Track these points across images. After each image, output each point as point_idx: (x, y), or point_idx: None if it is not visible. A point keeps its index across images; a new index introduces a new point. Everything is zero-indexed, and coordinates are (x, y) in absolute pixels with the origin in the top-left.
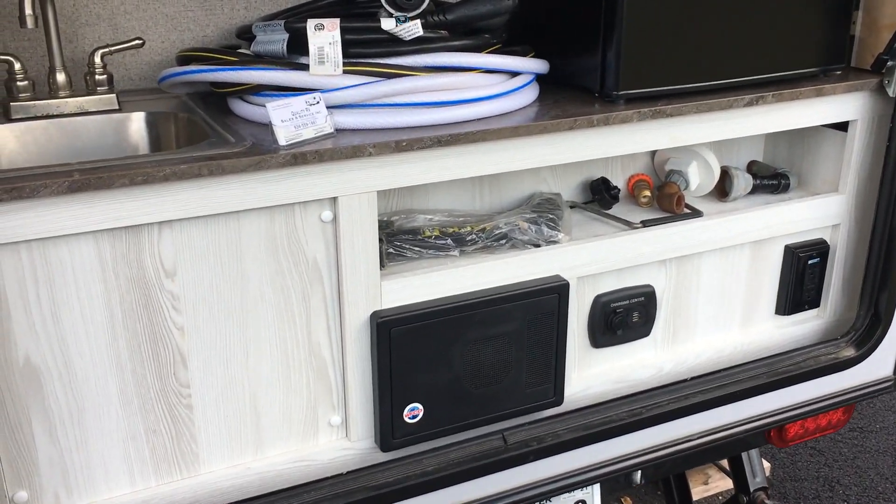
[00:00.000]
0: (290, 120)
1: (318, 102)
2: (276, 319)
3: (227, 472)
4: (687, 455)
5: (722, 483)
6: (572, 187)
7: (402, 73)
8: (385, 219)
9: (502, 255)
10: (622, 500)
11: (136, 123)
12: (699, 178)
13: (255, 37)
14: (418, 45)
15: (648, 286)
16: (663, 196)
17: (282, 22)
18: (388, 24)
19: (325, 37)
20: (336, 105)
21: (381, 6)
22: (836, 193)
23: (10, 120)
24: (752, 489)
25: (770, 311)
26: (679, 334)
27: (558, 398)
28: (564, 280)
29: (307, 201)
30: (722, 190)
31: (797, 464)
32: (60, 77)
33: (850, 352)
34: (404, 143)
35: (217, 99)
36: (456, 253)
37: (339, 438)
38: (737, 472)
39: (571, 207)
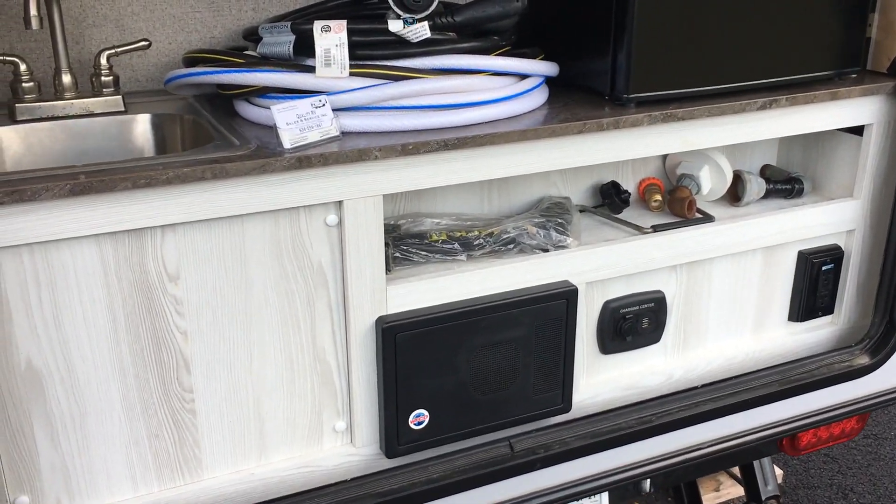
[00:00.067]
0: (295, 123)
1: (323, 105)
2: (280, 324)
3: (231, 477)
4: (697, 463)
5: (734, 490)
6: (582, 191)
7: (410, 76)
8: (392, 222)
9: (510, 260)
10: None
11: (142, 125)
12: (711, 183)
13: (261, 38)
14: (426, 48)
15: (659, 292)
16: (674, 200)
17: (288, 23)
18: (395, 25)
19: (331, 39)
20: (342, 108)
21: (389, 8)
22: (851, 198)
23: (15, 121)
24: (763, 497)
25: (783, 318)
26: (690, 341)
27: (566, 405)
28: (573, 285)
29: (312, 205)
30: (734, 194)
31: (810, 471)
32: (66, 78)
33: (864, 360)
34: (411, 147)
35: (223, 101)
36: (463, 257)
37: (344, 444)
38: (748, 480)
39: (581, 211)
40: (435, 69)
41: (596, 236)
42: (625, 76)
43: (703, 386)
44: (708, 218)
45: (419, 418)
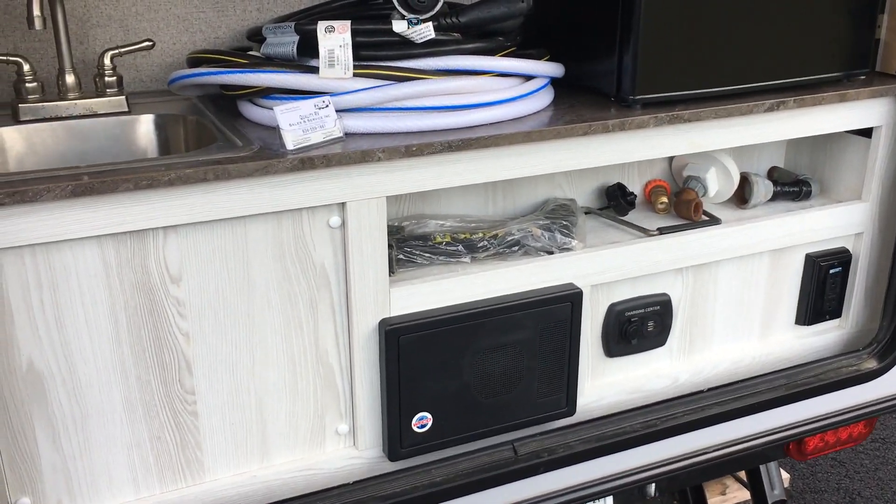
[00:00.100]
0: (298, 124)
1: (327, 106)
2: (282, 326)
3: (233, 480)
4: (702, 468)
5: (740, 494)
6: (588, 193)
7: (414, 77)
8: (396, 224)
9: (514, 263)
10: None
11: (145, 126)
12: (718, 185)
13: (265, 39)
14: (430, 48)
15: (664, 295)
16: (681, 203)
17: (292, 24)
18: (399, 26)
19: (335, 39)
20: (346, 109)
21: (394, 8)
22: (859, 201)
23: (18, 122)
24: (770, 501)
25: (790, 321)
26: (696, 344)
27: (570, 408)
28: (578, 288)
29: (315, 206)
30: (741, 197)
31: (817, 475)
32: (70, 79)
33: (871, 364)
34: (414, 148)
35: (227, 101)
36: (467, 259)
37: (347, 447)
38: (754, 484)
39: (586, 213)
40: (439, 70)
41: (601, 238)
42: (631, 77)
43: (709, 390)
44: (714, 220)
45: (422, 421)
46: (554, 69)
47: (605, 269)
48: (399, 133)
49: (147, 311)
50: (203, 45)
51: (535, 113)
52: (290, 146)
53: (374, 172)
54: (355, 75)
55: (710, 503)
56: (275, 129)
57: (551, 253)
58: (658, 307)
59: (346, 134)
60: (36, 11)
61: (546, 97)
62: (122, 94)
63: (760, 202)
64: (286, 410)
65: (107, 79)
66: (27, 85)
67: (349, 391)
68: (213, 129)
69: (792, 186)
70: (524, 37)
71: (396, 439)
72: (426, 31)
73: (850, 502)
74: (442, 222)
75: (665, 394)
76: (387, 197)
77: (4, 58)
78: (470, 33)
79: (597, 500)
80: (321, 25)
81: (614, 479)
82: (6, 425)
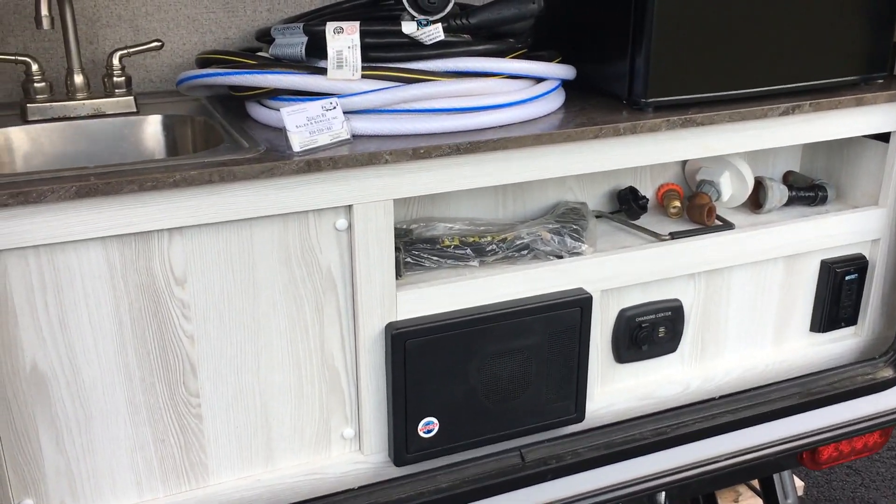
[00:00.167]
0: (304, 125)
1: (334, 108)
2: (288, 329)
3: (237, 483)
4: (714, 476)
5: (752, 501)
6: (599, 196)
7: (422, 78)
8: (404, 226)
9: (523, 267)
10: None
11: (153, 126)
12: (732, 189)
13: (274, 39)
14: (440, 50)
15: (676, 300)
16: (694, 207)
17: (301, 25)
18: (409, 27)
19: (344, 40)
20: (354, 110)
21: (404, 9)
22: (876, 207)
23: (26, 122)
24: None
25: (804, 328)
26: (707, 350)
27: (579, 415)
28: (587, 293)
29: (321, 209)
30: (756, 201)
31: (832, 483)
32: (78, 79)
33: (888, 372)
34: (422, 151)
35: (236, 102)
36: (475, 263)
37: (352, 451)
38: (767, 493)
39: (597, 217)
40: (448, 72)
41: (612, 243)
42: (643, 80)
43: (721, 397)
44: (728, 225)
45: (429, 426)
46: (565, 71)
47: (616, 274)
48: (407, 135)
49: (151, 314)
50: (213, 45)
51: (545, 115)
52: (296, 148)
53: (381, 175)
54: (364, 77)
55: None
56: (282, 131)
57: (561, 257)
58: (669, 313)
59: (354, 136)
60: (44, 11)
61: (557, 100)
62: (131, 95)
63: (775, 207)
64: (291, 414)
65: (115, 79)
66: (35, 85)
67: (355, 395)
68: (221, 130)
69: (807, 191)
70: (535, 38)
71: (402, 444)
72: (436, 33)
73: None
74: (450, 225)
75: (676, 401)
76: (394, 200)
77: (13, 57)
78: (480, 35)
79: None
80: (330, 26)
81: (624, 487)
82: (10, 427)
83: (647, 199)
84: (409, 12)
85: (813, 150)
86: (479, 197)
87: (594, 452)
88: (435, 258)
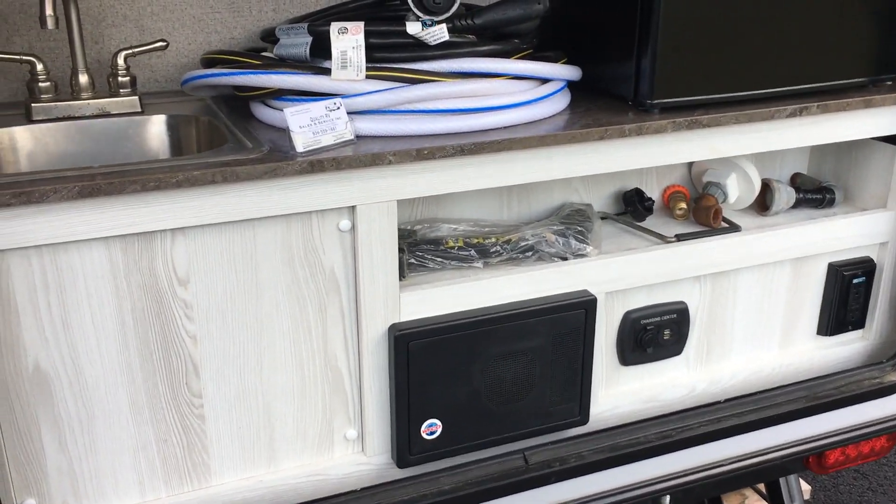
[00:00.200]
0: (308, 126)
1: (338, 108)
2: (291, 330)
3: (239, 484)
4: (719, 480)
5: None
6: (604, 198)
7: (427, 79)
8: (408, 227)
9: (527, 268)
10: None
11: (157, 126)
12: (738, 191)
13: (278, 40)
14: (444, 50)
15: (681, 303)
16: (700, 209)
17: (305, 25)
18: (413, 28)
19: (348, 41)
20: (357, 111)
21: (409, 10)
22: (884, 209)
23: (31, 121)
24: None
25: (811, 332)
26: (713, 353)
27: (583, 417)
28: (592, 295)
29: (325, 210)
30: (762, 203)
31: (839, 487)
32: (83, 78)
33: (895, 377)
34: (426, 152)
35: (240, 103)
36: (479, 265)
37: (355, 453)
38: (773, 497)
39: (603, 219)
40: (453, 72)
41: (617, 245)
42: (649, 81)
43: (727, 400)
44: (734, 227)
45: (432, 428)
46: (570, 72)
47: (621, 276)
48: (411, 136)
49: (154, 314)
50: (218, 45)
51: (550, 117)
52: (300, 148)
53: (385, 176)
54: (368, 77)
55: None
56: (286, 131)
57: (565, 259)
58: (675, 315)
59: (358, 136)
60: (48, 11)
61: (562, 101)
62: (136, 95)
63: (782, 209)
64: (294, 415)
65: (120, 79)
66: (40, 84)
67: (358, 396)
68: (225, 130)
69: (815, 194)
70: (540, 39)
71: (405, 446)
72: (440, 33)
73: None
74: (455, 226)
75: (681, 404)
76: (398, 200)
77: (18, 57)
78: (485, 35)
79: None
80: (334, 27)
81: (628, 490)
82: (12, 426)
83: (653, 201)
84: (413, 13)
85: (821, 152)
86: (483, 198)
87: (598, 455)
88: (439, 259)
